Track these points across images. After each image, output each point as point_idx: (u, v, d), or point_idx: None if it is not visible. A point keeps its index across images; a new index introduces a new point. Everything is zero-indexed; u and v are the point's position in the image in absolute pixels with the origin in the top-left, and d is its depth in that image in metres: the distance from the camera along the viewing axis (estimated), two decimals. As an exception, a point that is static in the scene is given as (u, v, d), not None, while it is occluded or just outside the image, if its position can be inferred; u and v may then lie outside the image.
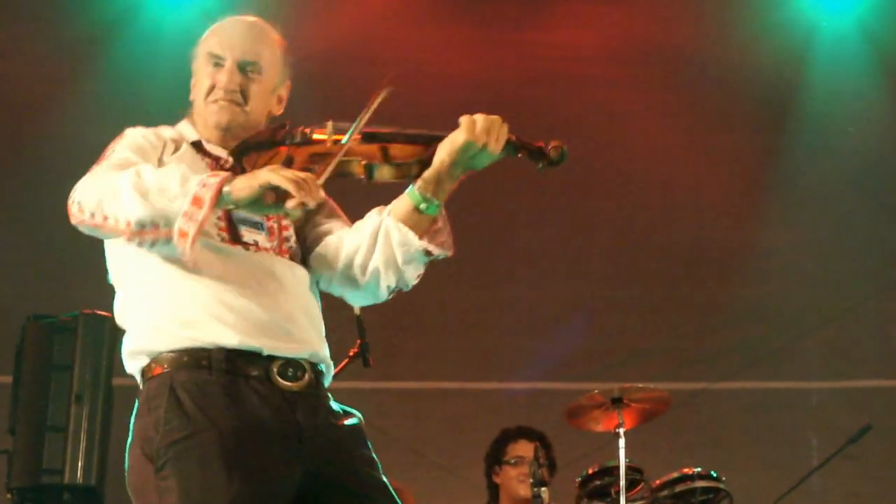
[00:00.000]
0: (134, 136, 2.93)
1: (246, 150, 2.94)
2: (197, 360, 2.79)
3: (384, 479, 2.92)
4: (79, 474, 5.41)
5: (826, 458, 6.29)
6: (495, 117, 2.94)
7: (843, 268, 8.03)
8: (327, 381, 2.97)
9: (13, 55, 7.91)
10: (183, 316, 2.81)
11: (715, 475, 5.87)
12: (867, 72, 8.12)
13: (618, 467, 5.66)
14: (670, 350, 7.82)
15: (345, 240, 3.01)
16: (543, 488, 5.50)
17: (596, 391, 5.80)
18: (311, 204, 2.64)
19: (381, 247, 2.94)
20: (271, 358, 2.83)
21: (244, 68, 3.02)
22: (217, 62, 3.02)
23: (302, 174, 2.65)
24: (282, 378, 2.83)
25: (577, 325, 7.93)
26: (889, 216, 8.05)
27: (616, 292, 8.01)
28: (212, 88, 3.00)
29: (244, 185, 2.65)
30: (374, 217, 2.99)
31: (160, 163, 2.91)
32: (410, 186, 2.93)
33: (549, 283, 7.95)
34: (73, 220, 2.76)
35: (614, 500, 5.76)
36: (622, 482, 5.61)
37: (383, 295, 3.03)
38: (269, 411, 2.80)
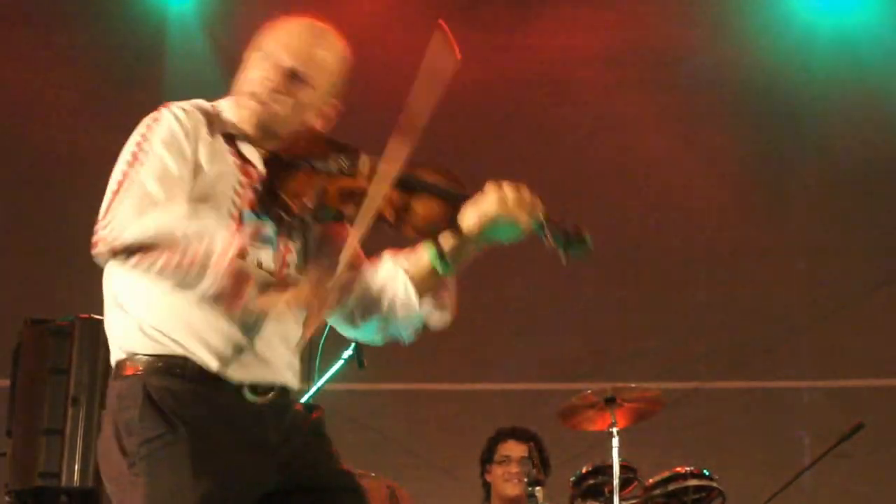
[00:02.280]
0: (170, 131, 2.85)
1: (279, 165, 2.90)
2: (171, 367, 2.81)
3: (345, 468, 2.97)
4: (76, 477, 5.41)
5: (818, 457, 6.31)
6: (526, 191, 2.89)
7: (835, 267, 8.06)
8: (294, 389, 3.00)
9: (12, 60, 7.93)
10: (167, 327, 2.84)
11: (707, 474, 5.90)
12: (858, 72, 8.15)
13: (611, 466, 5.70)
14: (663, 350, 7.85)
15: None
16: (538, 487, 5.53)
17: (589, 391, 5.84)
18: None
19: (387, 302, 2.98)
20: (241, 379, 2.86)
21: (295, 76, 2.96)
22: (274, 61, 2.96)
23: (315, 303, 2.71)
24: (251, 393, 2.86)
25: (571, 326, 7.96)
26: (881, 216, 8.08)
27: (609, 293, 8.04)
28: (258, 83, 2.95)
29: (266, 305, 2.74)
30: (386, 267, 3.00)
31: (195, 158, 2.87)
32: (431, 248, 2.92)
33: (542, 285, 7.98)
34: (115, 256, 2.75)
35: (608, 499, 5.80)
36: (616, 481, 5.65)
37: (378, 342, 3.08)
38: (239, 420, 2.84)
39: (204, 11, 7.88)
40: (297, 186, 2.86)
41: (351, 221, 2.87)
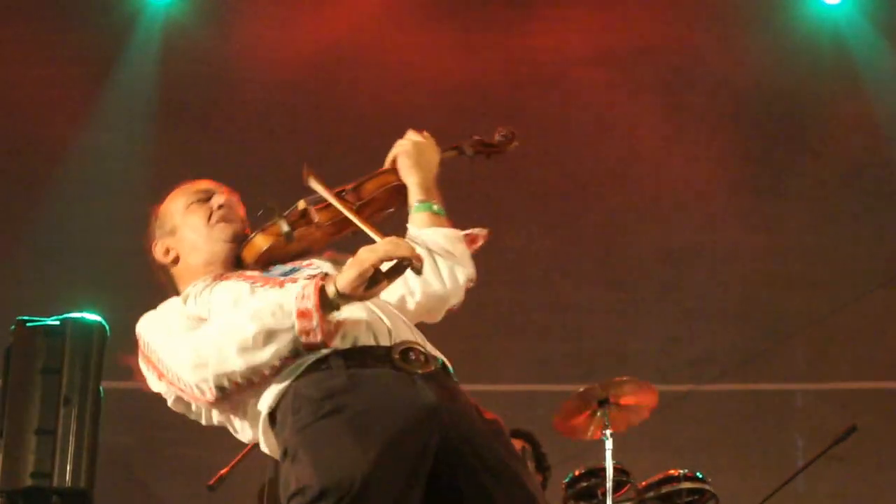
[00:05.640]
0: (150, 323, 3.06)
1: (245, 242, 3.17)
2: (316, 365, 2.85)
3: (527, 476, 2.91)
4: (67, 477, 5.40)
5: (811, 460, 6.31)
6: (426, 135, 3.27)
7: (829, 271, 8.07)
8: (455, 379, 3.04)
9: (4, 57, 7.92)
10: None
11: (701, 476, 5.90)
12: (852, 76, 8.16)
13: (604, 469, 5.69)
14: (657, 352, 7.85)
15: None
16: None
17: (582, 390, 5.84)
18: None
19: (442, 255, 3.09)
20: (389, 348, 2.89)
21: (228, 196, 3.27)
22: (205, 197, 3.24)
23: (393, 240, 2.83)
24: (404, 362, 2.88)
25: (565, 328, 7.96)
26: (875, 219, 8.09)
27: (603, 294, 8.04)
28: (211, 213, 3.21)
29: (354, 274, 2.79)
30: (410, 234, 3.13)
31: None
32: (416, 204, 3.16)
33: (536, 286, 7.98)
34: (204, 401, 2.89)
35: (601, 501, 5.80)
36: (609, 484, 5.64)
37: (462, 291, 3.16)
38: (396, 390, 2.82)
39: (191, 11, 7.90)
40: (252, 246, 3.14)
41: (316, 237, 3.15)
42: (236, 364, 2.81)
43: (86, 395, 5.48)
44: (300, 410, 2.79)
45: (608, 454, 5.68)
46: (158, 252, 3.25)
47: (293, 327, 2.78)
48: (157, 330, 3.02)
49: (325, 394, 2.79)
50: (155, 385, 3.02)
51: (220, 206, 3.21)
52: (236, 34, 7.93)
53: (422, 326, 3.15)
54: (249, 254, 3.13)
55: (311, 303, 2.78)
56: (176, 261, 3.22)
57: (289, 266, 3.11)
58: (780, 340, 7.80)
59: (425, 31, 8.19)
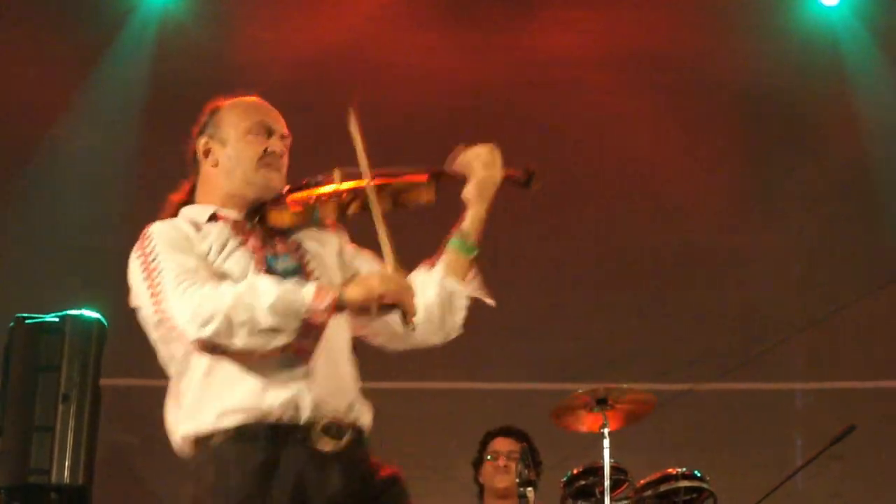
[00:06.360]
0: (166, 233, 3.06)
1: (265, 205, 3.17)
2: (242, 435, 2.96)
3: None
4: (66, 474, 5.43)
5: (810, 459, 6.31)
6: (494, 149, 3.36)
7: (828, 271, 8.07)
8: (365, 442, 3.15)
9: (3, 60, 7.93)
10: (232, 404, 2.97)
11: (699, 475, 5.89)
12: (850, 77, 8.17)
13: (602, 467, 5.69)
14: (656, 352, 7.85)
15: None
16: (529, 488, 5.52)
17: (581, 391, 5.84)
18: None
19: (455, 309, 3.33)
20: (312, 423, 3.00)
21: (284, 141, 3.28)
22: (265, 133, 3.24)
23: (404, 283, 2.98)
24: (325, 436, 3.00)
25: (564, 326, 7.96)
26: (874, 220, 8.09)
27: (602, 294, 8.04)
28: (264, 153, 3.21)
29: (360, 297, 2.96)
30: (434, 279, 3.27)
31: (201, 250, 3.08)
32: (461, 241, 3.27)
33: (535, 286, 7.97)
34: (205, 345, 2.91)
35: (599, 499, 5.79)
36: (607, 482, 5.64)
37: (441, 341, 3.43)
38: (304, 475, 2.96)
39: (187, 10, 7.91)
40: (281, 217, 3.16)
41: (337, 216, 3.19)
42: (240, 339, 2.87)
43: (84, 392, 5.51)
44: (208, 468, 2.96)
45: (606, 453, 5.67)
46: (200, 147, 3.26)
47: (294, 331, 2.89)
48: (169, 250, 3.02)
49: (240, 474, 2.93)
50: (138, 285, 3.04)
51: (272, 153, 3.20)
52: (233, 35, 7.93)
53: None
54: (276, 221, 3.16)
55: (319, 320, 2.91)
56: (213, 165, 3.23)
57: (291, 262, 3.13)
58: (779, 340, 7.80)
59: (424, 32, 8.19)
